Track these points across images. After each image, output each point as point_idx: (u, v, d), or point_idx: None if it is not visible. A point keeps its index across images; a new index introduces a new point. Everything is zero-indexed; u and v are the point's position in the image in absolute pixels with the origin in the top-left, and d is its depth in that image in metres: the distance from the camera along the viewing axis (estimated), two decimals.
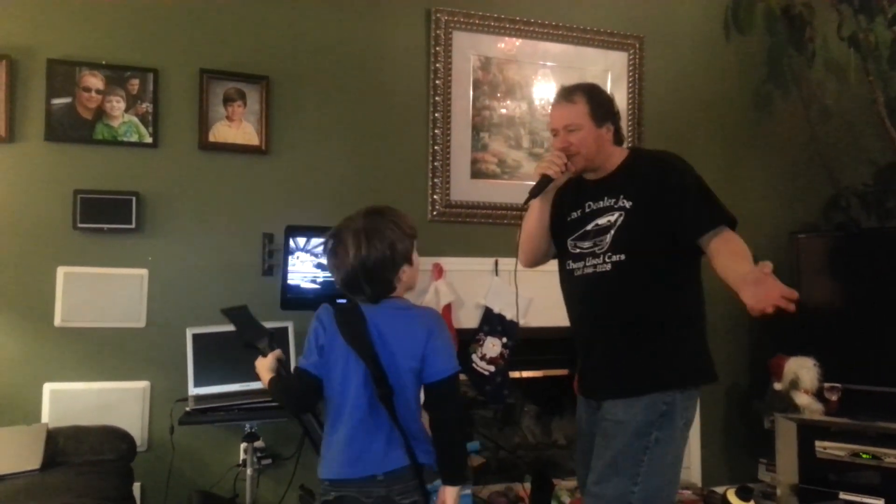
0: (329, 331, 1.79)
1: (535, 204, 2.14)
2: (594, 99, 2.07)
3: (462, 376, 3.31)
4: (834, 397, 3.42)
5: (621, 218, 2.00)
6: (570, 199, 2.14)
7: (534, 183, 2.09)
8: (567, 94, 2.09)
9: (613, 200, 2.03)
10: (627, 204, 2.01)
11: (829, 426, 3.32)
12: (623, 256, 1.97)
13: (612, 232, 2.00)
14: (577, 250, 2.08)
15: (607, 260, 2.00)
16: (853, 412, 3.33)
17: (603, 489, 1.94)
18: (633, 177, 2.04)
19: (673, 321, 1.98)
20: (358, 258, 1.74)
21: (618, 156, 2.10)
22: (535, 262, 2.26)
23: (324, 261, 1.87)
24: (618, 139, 2.12)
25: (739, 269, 1.79)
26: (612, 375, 2.01)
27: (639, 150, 2.16)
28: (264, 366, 1.92)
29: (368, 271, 1.75)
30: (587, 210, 2.09)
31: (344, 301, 1.86)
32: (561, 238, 2.15)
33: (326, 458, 1.80)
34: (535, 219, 2.16)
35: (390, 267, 1.78)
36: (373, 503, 1.75)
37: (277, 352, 1.95)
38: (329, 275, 2.86)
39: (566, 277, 2.14)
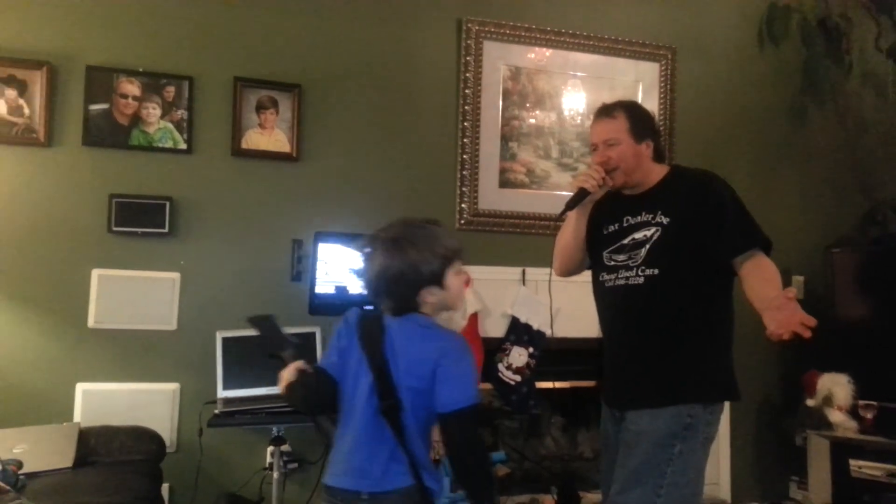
0: (350, 334, 1.76)
1: (572, 215, 2.17)
2: (634, 115, 2.11)
3: (487, 385, 3.33)
4: (869, 415, 3.34)
5: (658, 233, 2.01)
6: (607, 212, 2.16)
7: (570, 195, 2.12)
8: (608, 110, 2.13)
9: (651, 216, 2.05)
10: (665, 220, 2.02)
11: (864, 444, 3.24)
12: (656, 271, 1.99)
13: (648, 246, 2.02)
14: (612, 262, 2.10)
15: (640, 273, 2.01)
16: (889, 431, 3.25)
17: (625, 499, 1.95)
18: (672, 193, 2.06)
19: (700, 336, 1.99)
20: (381, 267, 1.68)
21: (657, 172, 2.12)
22: (570, 272, 2.28)
23: (354, 268, 1.81)
24: (658, 156, 2.13)
25: (766, 293, 1.85)
26: (637, 386, 2.01)
27: (679, 168, 2.16)
28: (285, 376, 1.88)
29: (387, 283, 1.68)
30: (625, 224, 2.10)
31: (372, 307, 1.84)
32: (596, 250, 2.17)
33: (331, 462, 1.76)
34: (572, 230, 2.19)
35: (411, 284, 1.69)
36: None
37: (299, 362, 1.85)
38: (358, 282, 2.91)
39: (599, 289, 2.16)
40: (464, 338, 1.80)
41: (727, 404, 2.20)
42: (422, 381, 1.65)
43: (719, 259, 1.97)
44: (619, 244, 2.09)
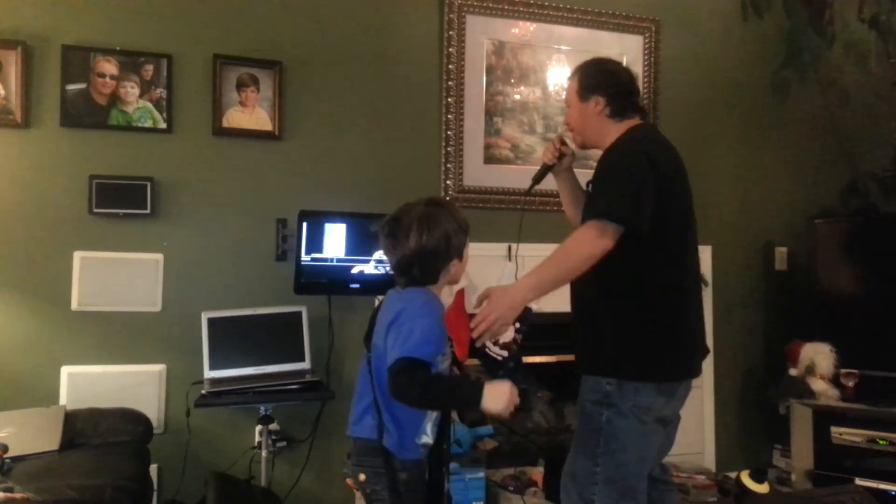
0: None
1: (560, 184, 2.29)
2: (583, 74, 2.12)
3: (475, 361, 3.34)
4: (850, 383, 3.39)
5: (585, 202, 2.07)
6: None
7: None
8: (571, 74, 2.18)
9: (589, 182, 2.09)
10: (589, 188, 2.08)
11: (846, 412, 3.29)
12: None
13: (581, 214, 2.02)
14: None
15: None
16: (870, 398, 3.31)
17: (572, 468, 2.02)
18: (599, 162, 2.05)
19: (618, 311, 1.97)
20: (418, 243, 1.77)
21: (613, 132, 2.06)
22: None
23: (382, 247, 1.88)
24: (616, 113, 2.07)
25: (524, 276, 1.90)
26: (575, 350, 2.13)
27: (629, 130, 2.05)
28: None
29: (423, 258, 1.78)
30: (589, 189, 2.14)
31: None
32: None
33: None
34: (564, 197, 2.31)
35: (443, 258, 1.81)
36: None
37: None
38: (338, 258, 2.91)
39: None
40: (432, 298, 1.84)
41: (706, 377, 2.20)
42: (382, 339, 1.77)
43: None
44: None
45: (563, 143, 2.21)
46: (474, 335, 1.90)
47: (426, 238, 1.77)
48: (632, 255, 1.89)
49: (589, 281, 1.92)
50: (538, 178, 2.27)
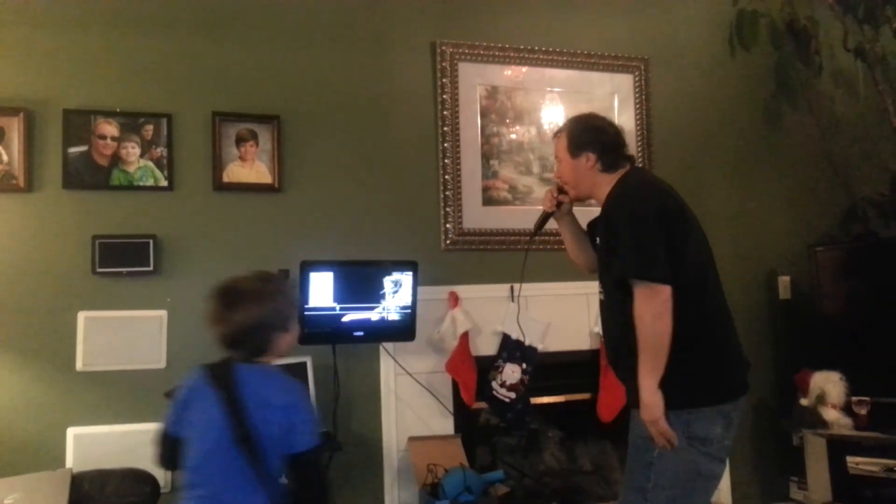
0: (194, 389, 1.93)
1: (562, 228, 2.37)
2: (572, 131, 2.21)
3: (483, 404, 3.32)
4: (863, 411, 3.35)
5: (598, 254, 2.20)
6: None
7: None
8: (557, 131, 2.28)
9: (598, 236, 2.20)
10: (598, 240, 2.19)
11: (860, 441, 3.25)
12: (601, 290, 2.17)
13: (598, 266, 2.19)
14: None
15: (600, 291, 2.18)
16: (884, 426, 3.26)
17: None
18: (602, 215, 2.15)
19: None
20: (247, 316, 1.83)
21: (605, 185, 2.15)
22: (590, 270, 2.35)
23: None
24: (608, 167, 2.16)
25: None
26: (626, 385, 2.12)
27: (617, 184, 2.14)
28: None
29: (251, 329, 1.84)
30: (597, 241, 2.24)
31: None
32: None
33: None
34: (567, 240, 2.38)
35: (271, 329, 1.87)
36: None
37: None
38: (342, 306, 2.91)
39: None
40: (300, 384, 1.97)
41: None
42: (272, 426, 1.75)
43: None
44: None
45: (560, 191, 2.29)
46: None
47: (256, 310, 1.83)
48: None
49: (616, 327, 2.06)
50: (540, 226, 2.40)
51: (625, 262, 1.96)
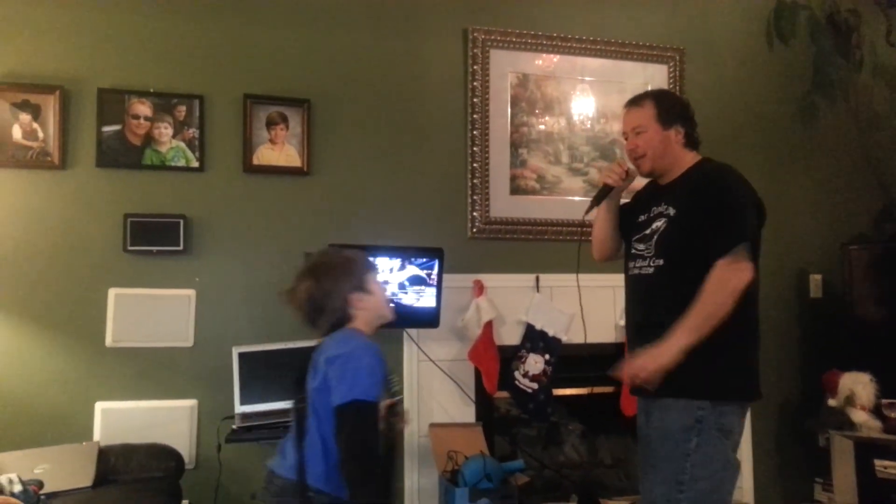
0: None
1: (602, 207, 2.27)
2: (662, 102, 2.15)
3: (504, 393, 3.32)
4: (893, 414, 3.28)
5: (665, 224, 2.06)
6: (644, 201, 2.21)
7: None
8: (636, 99, 2.20)
9: (666, 207, 2.08)
10: (671, 212, 2.06)
11: (889, 444, 3.19)
12: (662, 262, 2.04)
13: (656, 237, 2.07)
14: (634, 251, 2.17)
15: (651, 264, 2.07)
16: None
17: (651, 497, 2.02)
18: (685, 185, 2.09)
19: (717, 331, 1.93)
20: (309, 291, 1.92)
21: (687, 161, 2.13)
22: (605, 258, 2.36)
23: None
24: (691, 143, 2.15)
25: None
26: None
27: (707, 161, 2.14)
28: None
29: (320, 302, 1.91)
30: (652, 214, 2.14)
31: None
32: (628, 238, 2.23)
33: None
34: (602, 221, 2.30)
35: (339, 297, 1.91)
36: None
37: None
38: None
39: (625, 277, 2.24)
40: (367, 342, 1.87)
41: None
42: (319, 380, 1.78)
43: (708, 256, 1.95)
44: (642, 234, 2.14)
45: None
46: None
47: (315, 286, 1.87)
48: None
49: (669, 304, 1.96)
50: (599, 199, 2.27)
51: (743, 225, 1.95)
